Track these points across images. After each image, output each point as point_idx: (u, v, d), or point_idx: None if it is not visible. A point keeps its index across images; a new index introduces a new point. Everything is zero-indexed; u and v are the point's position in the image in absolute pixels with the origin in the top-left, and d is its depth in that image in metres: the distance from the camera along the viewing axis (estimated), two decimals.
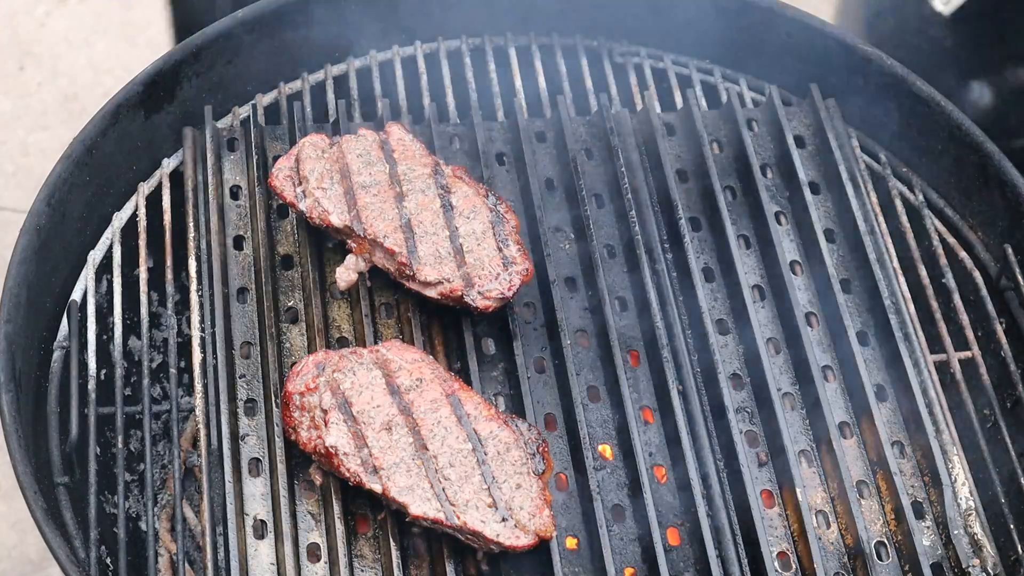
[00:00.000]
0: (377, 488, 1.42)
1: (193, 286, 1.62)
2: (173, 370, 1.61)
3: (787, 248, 1.72)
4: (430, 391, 1.48)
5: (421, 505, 1.41)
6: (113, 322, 1.66)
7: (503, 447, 1.45)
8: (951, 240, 1.81)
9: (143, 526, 1.68)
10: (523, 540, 1.42)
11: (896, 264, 1.73)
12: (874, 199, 1.78)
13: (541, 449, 1.46)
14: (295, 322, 1.62)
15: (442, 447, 1.45)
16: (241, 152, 1.73)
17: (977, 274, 1.78)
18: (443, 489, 1.42)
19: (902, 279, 1.72)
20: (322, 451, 1.45)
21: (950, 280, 1.75)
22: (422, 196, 1.61)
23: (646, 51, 1.93)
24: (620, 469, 1.55)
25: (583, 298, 1.66)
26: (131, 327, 1.74)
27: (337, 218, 1.59)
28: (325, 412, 1.45)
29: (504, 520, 1.42)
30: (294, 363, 1.55)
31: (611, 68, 1.90)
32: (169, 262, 1.67)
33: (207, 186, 1.68)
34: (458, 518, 1.41)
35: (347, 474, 1.44)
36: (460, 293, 1.56)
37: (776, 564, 1.49)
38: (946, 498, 1.54)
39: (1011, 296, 1.76)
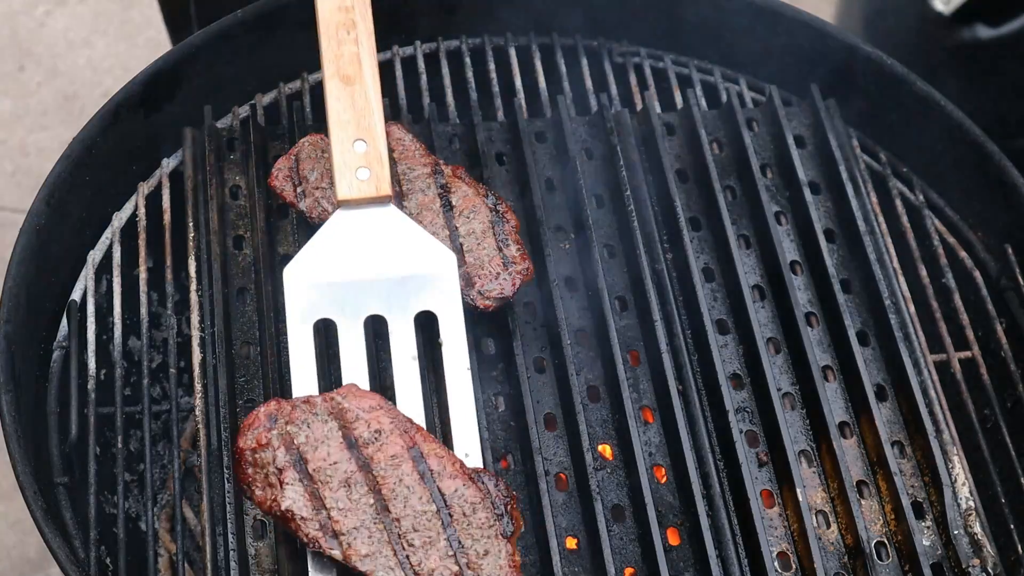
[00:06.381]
0: (338, 555, 1.35)
1: (193, 286, 1.62)
2: (173, 370, 1.61)
3: (787, 248, 1.72)
4: (390, 445, 1.39)
5: (385, 575, 1.34)
6: (113, 322, 1.66)
7: (469, 507, 1.38)
8: (951, 240, 1.81)
9: (143, 526, 1.68)
10: None
11: (896, 264, 1.73)
12: (874, 199, 1.78)
13: (510, 508, 1.39)
14: None
15: (404, 509, 1.37)
16: (241, 152, 1.73)
17: (977, 274, 1.78)
18: (407, 557, 1.35)
19: (902, 279, 1.72)
20: (278, 513, 1.37)
21: (950, 280, 1.75)
22: (422, 196, 1.61)
23: (646, 51, 1.93)
24: (620, 469, 1.55)
25: (583, 298, 1.66)
26: (131, 327, 1.74)
27: None
28: (280, 471, 1.38)
29: None
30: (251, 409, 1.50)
31: (611, 68, 1.90)
32: (169, 262, 1.67)
33: (207, 186, 1.69)
34: None
35: (306, 540, 1.36)
36: (460, 293, 1.56)
37: (776, 564, 1.49)
38: (946, 498, 1.54)
39: (1011, 296, 1.76)
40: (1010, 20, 2.45)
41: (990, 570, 1.51)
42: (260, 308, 1.61)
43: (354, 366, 1.48)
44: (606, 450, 1.56)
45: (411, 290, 1.51)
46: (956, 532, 1.52)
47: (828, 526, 1.54)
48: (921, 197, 1.84)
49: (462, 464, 1.40)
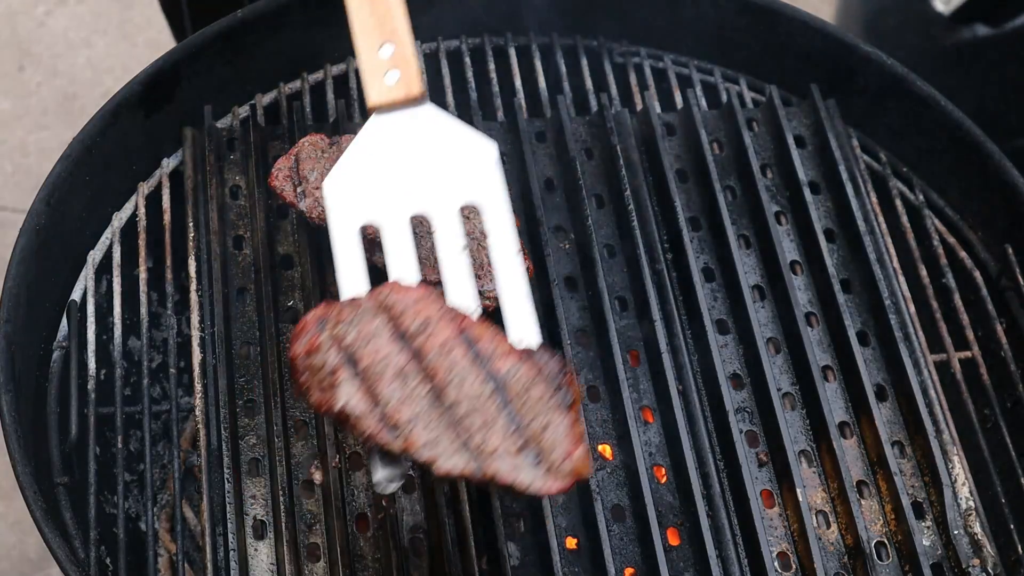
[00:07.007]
0: (399, 446, 1.31)
1: (193, 286, 1.63)
2: (173, 370, 1.61)
3: (787, 248, 1.72)
4: (439, 333, 1.37)
5: (447, 460, 1.31)
6: (113, 322, 1.66)
7: (524, 384, 1.34)
8: (951, 240, 1.81)
9: (143, 526, 1.68)
10: (558, 484, 1.31)
11: (896, 264, 1.73)
12: (874, 199, 1.78)
13: (566, 380, 1.35)
14: (295, 322, 1.62)
15: (460, 393, 1.34)
16: (241, 152, 1.73)
17: (977, 274, 1.78)
18: (467, 440, 1.31)
19: (902, 279, 1.72)
20: (335, 414, 1.34)
21: (950, 280, 1.75)
22: None
23: (646, 51, 1.93)
24: (620, 469, 1.55)
25: (583, 298, 1.66)
26: (131, 327, 1.74)
27: None
28: (332, 372, 1.35)
29: (536, 465, 1.31)
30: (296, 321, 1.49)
31: (611, 68, 1.90)
32: (169, 262, 1.67)
33: (207, 186, 1.69)
34: (487, 470, 1.30)
35: (365, 436, 1.33)
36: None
37: (776, 564, 1.49)
38: (946, 498, 1.54)
39: (1011, 296, 1.76)
40: (1010, 20, 2.45)
41: (990, 570, 1.51)
42: (260, 308, 1.61)
43: (401, 266, 1.44)
44: (606, 450, 1.56)
45: (452, 184, 1.47)
46: (956, 532, 1.52)
47: (828, 526, 1.54)
48: (921, 197, 1.84)
49: (513, 344, 1.37)
